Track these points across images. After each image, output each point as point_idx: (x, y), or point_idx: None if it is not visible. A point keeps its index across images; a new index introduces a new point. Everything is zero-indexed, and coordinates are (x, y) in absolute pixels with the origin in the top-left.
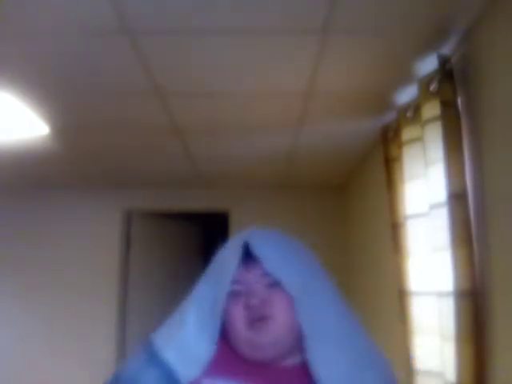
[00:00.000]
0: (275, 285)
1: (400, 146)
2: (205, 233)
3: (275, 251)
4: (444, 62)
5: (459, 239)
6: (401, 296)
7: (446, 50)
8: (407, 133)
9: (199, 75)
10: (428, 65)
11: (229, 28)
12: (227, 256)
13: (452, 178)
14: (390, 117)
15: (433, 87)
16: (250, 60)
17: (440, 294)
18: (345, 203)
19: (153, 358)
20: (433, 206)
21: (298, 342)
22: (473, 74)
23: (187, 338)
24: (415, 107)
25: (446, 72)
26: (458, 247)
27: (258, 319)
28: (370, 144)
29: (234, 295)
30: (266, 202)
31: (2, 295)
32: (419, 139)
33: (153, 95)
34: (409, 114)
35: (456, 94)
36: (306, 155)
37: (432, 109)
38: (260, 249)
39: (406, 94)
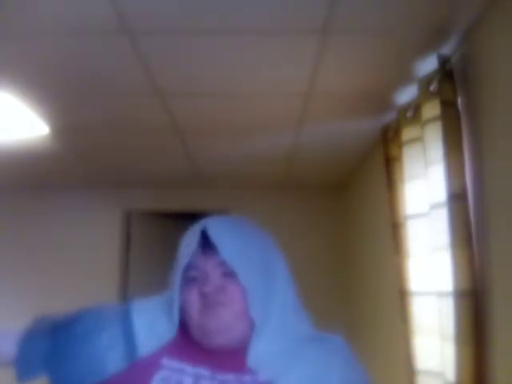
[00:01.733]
0: (231, 274)
1: (400, 146)
2: None
3: (232, 240)
4: (444, 62)
5: (459, 239)
6: (401, 296)
7: (446, 50)
8: (407, 133)
9: (199, 75)
10: (428, 65)
11: (229, 28)
12: (186, 242)
13: (452, 178)
14: (389, 117)
15: (433, 87)
16: (249, 60)
17: (440, 294)
18: (345, 203)
19: (125, 317)
20: (433, 206)
21: (249, 332)
22: (473, 74)
23: (154, 316)
24: (415, 107)
25: (445, 72)
26: (458, 247)
27: (210, 305)
28: (370, 144)
29: (190, 281)
30: (266, 202)
31: (1, 296)
32: (419, 139)
33: (153, 95)
34: (409, 114)
35: (456, 94)
36: (305, 155)
37: (432, 109)
38: (217, 237)
39: (406, 94)
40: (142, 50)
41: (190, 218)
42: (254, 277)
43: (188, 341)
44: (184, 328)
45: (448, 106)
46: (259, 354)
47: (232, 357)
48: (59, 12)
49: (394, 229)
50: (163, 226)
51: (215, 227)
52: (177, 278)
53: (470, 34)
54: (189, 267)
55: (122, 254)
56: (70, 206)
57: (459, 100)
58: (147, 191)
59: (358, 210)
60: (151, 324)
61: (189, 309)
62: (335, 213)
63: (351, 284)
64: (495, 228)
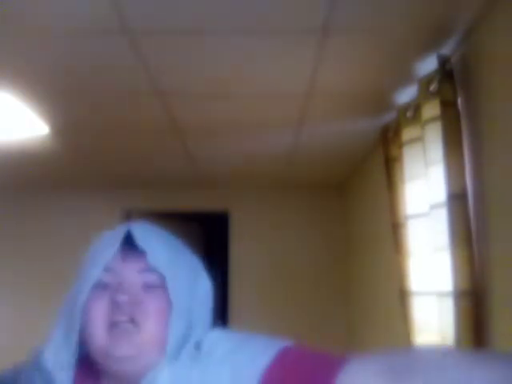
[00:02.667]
0: (153, 286)
1: (400, 146)
2: (205, 233)
3: (161, 245)
4: (444, 62)
5: (459, 239)
6: (401, 296)
7: (446, 50)
8: (407, 133)
9: (199, 75)
10: (428, 65)
11: (229, 28)
12: (103, 245)
13: (452, 178)
14: (389, 117)
15: (433, 87)
16: (249, 60)
17: (440, 294)
18: (345, 203)
19: (37, 361)
20: (433, 206)
21: (163, 355)
22: (473, 74)
23: (58, 341)
24: (415, 107)
25: (445, 72)
26: (458, 247)
27: (122, 322)
28: (370, 144)
29: (100, 288)
30: (265, 202)
31: (1, 295)
32: (419, 139)
33: (153, 95)
34: (409, 114)
35: (456, 94)
36: (306, 155)
37: (432, 109)
38: (145, 241)
39: (406, 94)
40: (142, 50)
41: (189, 218)
42: (181, 290)
43: (87, 368)
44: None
45: (448, 106)
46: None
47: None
48: (59, 12)
49: (394, 229)
50: (163, 226)
51: (142, 231)
52: (85, 285)
53: (470, 34)
54: (100, 272)
55: None
56: (70, 206)
57: (459, 100)
58: (147, 191)
59: (358, 210)
60: (55, 354)
61: (92, 322)
62: (335, 213)
63: (351, 284)
64: (495, 228)
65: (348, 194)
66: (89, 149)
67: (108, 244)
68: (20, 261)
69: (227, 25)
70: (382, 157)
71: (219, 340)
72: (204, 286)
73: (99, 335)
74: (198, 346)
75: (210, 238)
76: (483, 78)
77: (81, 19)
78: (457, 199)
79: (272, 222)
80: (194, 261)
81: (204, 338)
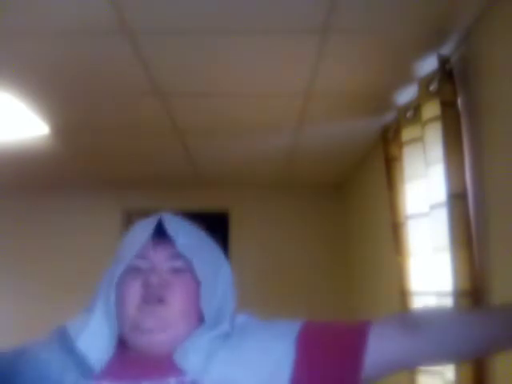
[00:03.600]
0: (180, 270)
1: (400, 146)
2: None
3: (188, 233)
4: (444, 62)
5: (459, 239)
6: (401, 296)
7: (446, 50)
8: (407, 133)
9: (199, 75)
10: (428, 65)
11: (229, 28)
12: (137, 233)
13: (452, 178)
14: (390, 117)
15: (433, 87)
16: (249, 60)
17: (440, 294)
18: (345, 203)
19: (65, 345)
20: (433, 206)
21: (195, 328)
22: (473, 74)
23: (94, 326)
24: (415, 107)
25: (445, 72)
26: (458, 247)
27: (152, 300)
28: (370, 144)
29: (134, 271)
30: (266, 202)
31: (1, 294)
32: (419, 139)
33: (153, 95)
34: (409, 114)
35: (456, 94)
36: (305, 155)
37: (432, 109)
38: (173, 228)
39: (406, 94)
40: (142, 50)
41: (189, 217)
42: (207, 273)
43: (123, 351)
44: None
45: (448, 106)
46: (188, 352)
47: (161, 360)
48: (59, 12)
49: (394, 229)
50: None
51: (171, 220)
52: (118, 269)
53: (470, 34)
54: (134, 258)
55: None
56: (70, 206)
57: (459, 100)
58: (147, 191)
59: (357, 210)
60: (93, 339)
61: (126, 300)
62: (335, 213)
63: (351, 284)
64: (495, 228)
65: (348, 194)
66: (89, 149)
67: (141, 232)
68: (20, 261)
69: (227, 25)
70: (382, 157)
71: (248, 319)
72: (226, 271)
73: (131, 310)
74: (231, 319)
75: None
76: (483, 78)
77: (81, 19)
78: (457, 199)
79: (272, 221)
80: (216, 248)
81: (233, 318)
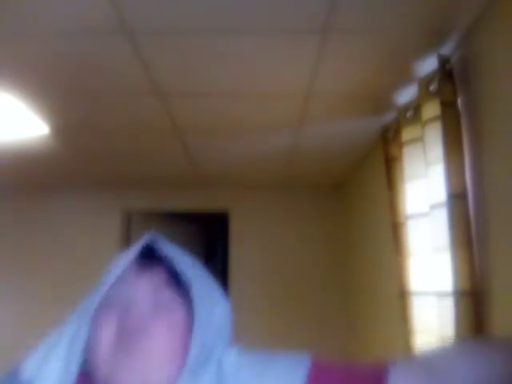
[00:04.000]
0: (169, 301)
1: (400, 146)
2: (205, 233)
3: (184, 258)
4: (444, 62)
5: (459, 239)
6: (401, 296)
7: (446, 50)
8: (407, 133)
9: (199, 75)
10: (428, 65)
11: (229, 28)
12: (122, 258)
13: (452, 178)
14: (390, 117)
15: (433, 87)
16: (249, 60)
17: (440, 294)
18: (345, 203)
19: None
20: (433, 206)
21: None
22: (473, 74)
23: (53, 367)
24: (415, 107)
25: (445, 72)
26: (458, 247)
27: (128, 348)
28: (370, 144)
29: (105, 308)
30: (265, 202)
31: (1, 295)
32: (419, 139)
33: (153, 95)
34: (409, 114)
35: (456, 94)
36: (305, 155)
37: (432, 109)
38: (168, 250)
39: (406, 94)
40: (142, 50)
41: (189, 218)
42: (204, 305)
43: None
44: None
45: (448, 106)
46: None
47: None
48: (59, 12)
49: (394, 229)
50: (163, 226)
51: (164, 242)
52: (92, 301)
53: (470, 33)
54: (110, 289)
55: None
56: (70, 206)
57: (459, 100)
58: (147, 191)
59: (358, 210)
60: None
61: (96, 350)
62: (335, 213)
63: (351, 284)
64: (495, 228)
65: (348, 194)
66: (89, 149)
67: (125, 256)
68: (19, 260)
69: (227, 25)
70: (382, 157)
71: (242, 362)
72: (224, 309)
73: (102, 360)
74: (220, 366)
75: (210, 237)
76: (483, 78)
77: (81, 19)
78: (457, 199)
79: (272, 221)
80: (214, 282)
81: (225, 356)
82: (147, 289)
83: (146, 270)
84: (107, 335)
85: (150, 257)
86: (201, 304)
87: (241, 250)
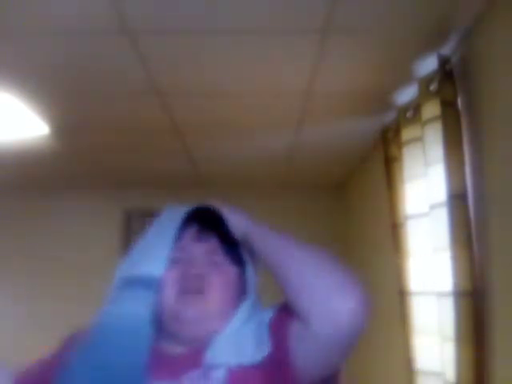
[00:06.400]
0: (220, 264)
1: (400, 146)
2: None
3: (237, 217)
4: (444, 62)
5: (459, 239)
6: (401, 296)
7: (446, 50)
8: (407, 133)
9: (199, 75)
10: (428, 65)
11: (229, 28)
12: (171, 221)
13: (452, 178)
14: (390, 117)
15: (433, 87)
16: (249, 60)
17: (440, 294)
18: (345, 203)
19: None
20: (433, 206)
21: (230, 320)
22: (473, 73)
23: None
24: (415, 107)
25: (446, 72)
26: (458, 247)
27: (191, 292)
28: (370, 144)
29: (173, 262)
30: (265, 202)
31: (1, 295)
32: (419, 139)
33: (153, 95)
34: (409, 114)
35: (456, 93)
36: (305, 155)
37: (432, 109)
38: (224, 212)
39: (406, 94)
40: (142, 50)
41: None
42: (252, 269)
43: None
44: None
45: (448, 106)
46: (222, 346)
47: (197, 351)
48: (59, 12)
49: (394, 229)
50: None
51: (219, 207)
52: (158, 258)
53: (470, 34)
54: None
55: (122, 254)
56: (70, 206)
57: (459, 100)
58: (147, 191)
59: (357, 210)
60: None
61: (166, 291)
62: (335, 213)
63: None
64: (495, 228)
65: (348, 194)
66: (89, 149)
67: (174, 221)
68: (20, 261)
69: (227, 25)
70: (382, 157)
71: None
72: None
73: (171, 300)
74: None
75: None
76: (483, 78)
77: (81, 19)
78: (457, 199)
79: (272, 222)
80: None
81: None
82: (202, 252)
83: (201, 237)
84: (175, 281)
85: (206, 221)
86: (251, 273)
87: None
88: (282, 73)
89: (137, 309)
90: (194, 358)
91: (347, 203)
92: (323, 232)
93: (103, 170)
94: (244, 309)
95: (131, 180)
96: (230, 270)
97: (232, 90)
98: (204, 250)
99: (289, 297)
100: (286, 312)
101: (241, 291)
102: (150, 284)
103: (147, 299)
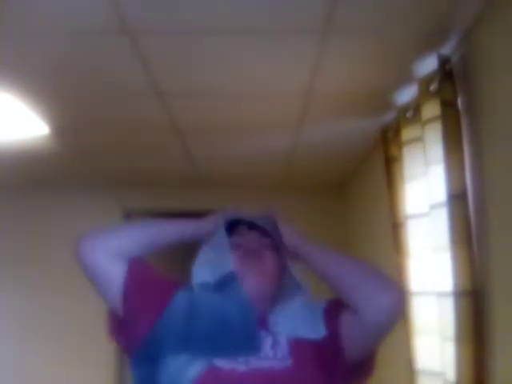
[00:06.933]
0: (268, 247)
1: (400, 146)
2: None
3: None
4: (444, 62)
5: (459, 239)
6: None
7: (446, 50)
8: (407, 133)
9: (199, 75)
10: (428, 65)
11: (229, 28)
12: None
13: (452, 178)
14: (389, 117)
15: (433, 87)
16: (249, 60)
17: (440, 294)
18: (345, 203)
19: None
20: (433, 206)
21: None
22: (473, 73)
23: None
24: (415, 107)
25: (446, 72)
26: (458, 247)
27: (252, 260)
28: (370, 144)
29: (235, 246)
30: (265, 202)
31: (1, 294)
32: (419, 139)
33: (153, 95)
34: (409, 114)
35: (456, 93)
36: (305, 155)
37: (432, 109)
38: (260, 222)
39: (406, 94)
40: (142, 50)
41: (189, 217)
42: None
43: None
44: None
45: (448, 106)
46: (282, 315)
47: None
48: (59, 12)
49: (394, 229)
50: None
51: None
52: (226, 245)
53: (470, 33)
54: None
55: None
56: (70, 206)
57: (459, 100)
58: (147, 191)
59: (358, 210)
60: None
61: (235, 261)
62: (335, 213)
63: None
64: (495, 228)
65: (348, 195)
66: (88, 148)
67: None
68: (19, 260)
69: (227, 25)
70: (382, 157)
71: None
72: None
73: (238, 268)
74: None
75: None
76: (483, 78)
77: (81, 19)
78: (457, 199)
79: None
80: None
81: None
82: (254, 238)
83: (249, 229)
84: (239, 255)
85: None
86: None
87: None
88: (282, 73)
89: (236, 296)
90: (261, 321)
91: (347, 203)
92: (323, 232)
93: (103, 170)
94: (300, 293)
95: (131, 180)
96: (275, 252)
97: (232, 89)
98: (255, 236)
99: (342, 295)
100: (337, 305)
101: (282, 275)
102: (233, 277)
103: (238, 288)
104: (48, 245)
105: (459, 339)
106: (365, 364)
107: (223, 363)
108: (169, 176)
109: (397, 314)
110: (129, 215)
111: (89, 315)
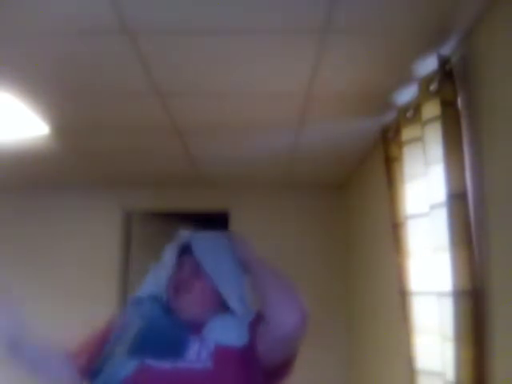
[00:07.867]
0: (198, 275)
1: (400, 145)
2: None
3: (205, 248)
4: (444, 62)
5: (459, 239)
6: (401, 296)
7: (446, 50)
8: (407, 133)
9: (199, 75)
10: (428, 65)
11: (229, 28)
12: (168, 253)
13: (452, 178)
14: (390, 117)
15: (433, 87)
16: (249, 60)
17: (440, 294)
18: (345, 203)
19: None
20: (433, 206)
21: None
22: (473, 73)
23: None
24: (415, 107)
25: (446, 72)
26: (458, 247)
27: (183, 289)
28: (370, 144)
29: (173, 274)
30: (266, 202)
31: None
32: (419, 139)
33: (153, 95)
34: (409, 114)
35: (456, 93)
36: (306, 155)
37: (432, 109)
38: (196, 247)
39: (406, 94)
40: (142, 50)
41: (190, 217)
42: (222, 275)
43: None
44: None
45: (448, 106)
46: (211, 327)
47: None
48: (59, 12)
49: (394, 229)
50: (163, 226)
51: (195, 237)
52: (165, 272)
53: (470, 33)
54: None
55: (122, 254)
56: (70, 206)
57: (459, 100)
58: (147, 191)
59: (358, 210)
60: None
61: (169, 289)
62: (335, 213)
63: (351, 284)
64: (495, 228)
65: (348, 194)
66: (89, 149)
67: (174, 249)
68: (19, 260)
69: (227, 25)
70: (382, 157)
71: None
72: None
73: (171, 296)
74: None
75: None
76: (483, 78)
77: (81, 19)
78: (457, 199)
79: (272, 221)
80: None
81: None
82: (187, 269)
83: (184, 259)
84: (172, 285)
85: (187, 248)
86: (218, 279)
87: None
88: (281, 73)
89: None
90: (197, 330)
91: (347, 203)
92: (323, 232)
93: (103, 170)
94: (239, 305)
95: (131, 180)
96: (206, 280)
97: (232, 89)
98: (188, 267)
99: (262, 307)
100: (260, 317)
101: (218, 297)
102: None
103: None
104: (48, 245)
105: (459, 339)
106: (281, 369)
107: (153, 362)
108: (169, 176)
109: (298, 331)
110: (129, 215)
111: (87, 315)
